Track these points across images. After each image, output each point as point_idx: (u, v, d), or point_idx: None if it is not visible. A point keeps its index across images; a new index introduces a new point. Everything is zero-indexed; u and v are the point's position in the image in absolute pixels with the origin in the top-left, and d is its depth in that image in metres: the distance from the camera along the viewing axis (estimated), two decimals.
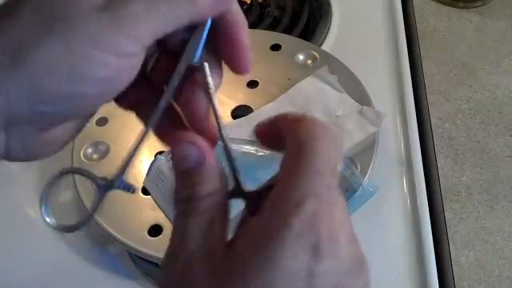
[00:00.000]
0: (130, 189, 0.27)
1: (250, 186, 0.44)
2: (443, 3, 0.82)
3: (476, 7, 0.81)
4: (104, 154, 0.52)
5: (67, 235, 0.53)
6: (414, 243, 0.51)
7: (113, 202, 0.47)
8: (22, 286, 0.52)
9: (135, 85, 0.25)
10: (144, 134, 0.27)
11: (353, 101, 0.54)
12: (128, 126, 0.54)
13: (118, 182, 0.27)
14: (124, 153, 0.28)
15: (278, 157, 0.49)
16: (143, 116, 0.29)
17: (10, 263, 0.53)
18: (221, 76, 0.28)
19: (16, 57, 0.22)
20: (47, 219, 0.26)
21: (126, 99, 0.28)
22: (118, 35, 0.22)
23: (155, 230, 0.46)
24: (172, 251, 0.24)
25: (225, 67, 0.28)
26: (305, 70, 0.57)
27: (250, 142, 0.48)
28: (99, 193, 0.27)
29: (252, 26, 0.71)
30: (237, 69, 0.27)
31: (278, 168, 0.26)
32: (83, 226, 0.27)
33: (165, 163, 0.45)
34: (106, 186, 0.27)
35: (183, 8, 0.24)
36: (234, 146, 0.45)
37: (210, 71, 0.27)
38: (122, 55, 0.23)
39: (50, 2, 0.22)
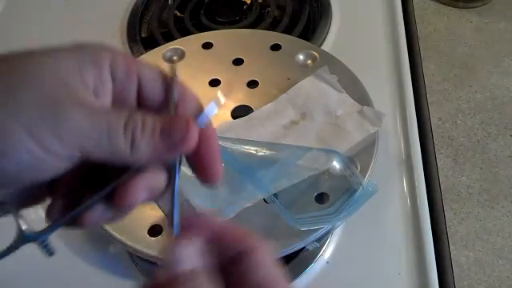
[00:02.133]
0: (47, 251, 0.27)
1: (250, 185, 0.44)
2: (443, 3, 0.82)
3: (476, 7, 0.81)
4: None
5: (67, 235, 0.53)
6: (414, 243, 0.51)
7: None
8: (21, 286, 0.52)
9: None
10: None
11: (353, 101, 0.54)
12: None
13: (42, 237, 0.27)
14: None
15: (279, 157, 0.49)
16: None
17: (10, 263, 0.53)
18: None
19: None
20: None
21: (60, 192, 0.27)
22: (52, 137, 0.23)
23: (155, 230, 0.46)
24: None
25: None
26: (305, 70, 0.57)
27: (250, 142, 0.48)
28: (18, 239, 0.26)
29: (252, 25, 0.71)
30: (207, 180, 0.28)
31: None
32: None
33: None
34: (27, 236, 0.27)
35: (121, 151, 0.25)
36: (233, 146, 0.45)
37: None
38: (49, 152, 0.23)
39: (7, 84, 0.23)
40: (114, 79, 0.26)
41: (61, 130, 0.23)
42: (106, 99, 0.26)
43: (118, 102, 0.26)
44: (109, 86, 0.26)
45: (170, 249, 0.24)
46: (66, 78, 0.24)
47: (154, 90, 0.27)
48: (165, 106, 0.27)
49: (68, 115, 0.23)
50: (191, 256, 0.24)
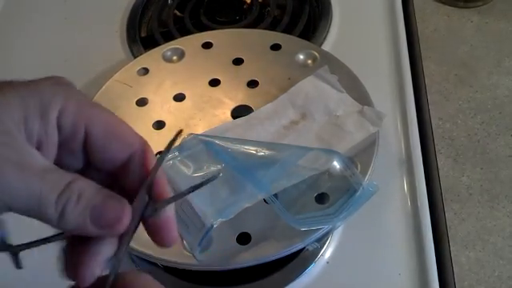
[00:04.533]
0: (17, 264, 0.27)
1: (250, 185, 0.44)
2: (444, 3, 0.82)
3: (476, 7, 0.81)
4: None
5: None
6: (415, 243, 0.51)
7: None
8: (21, 286, 0.52)
9: None
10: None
11: (353, 101, 0.53)
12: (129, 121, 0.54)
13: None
14: None
15: (279, 157, 0.49)
16: None
17: (10, 263, 0.53)
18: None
19: None
20: None
21: None
22: None
23: None
24: None
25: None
26: (305, 70, 0.57)
27: (250, 142, 0.48)
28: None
29: (252, 25, 0.71)
30: (163, 243, 0.27)
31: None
32: None
33: (165, 163, 0.45)
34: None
35: (49, 218, 0.24)
36: (233, 146, 0.45)
37: None
38: None
39: None
40: (59, 129, 0.25)
41: None
42: (51, 151, 0.25)
43: (64, 153, 0.26)
44: (54, 137, 0.25)
45: None
46: (10, 130, 0.24)
47: (107, 145, 0.26)
48: (122, 168, 0.26)
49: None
50: None
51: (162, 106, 0.56)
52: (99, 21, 0.76)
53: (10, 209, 0.24)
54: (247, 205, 0.43)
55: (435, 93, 0.71)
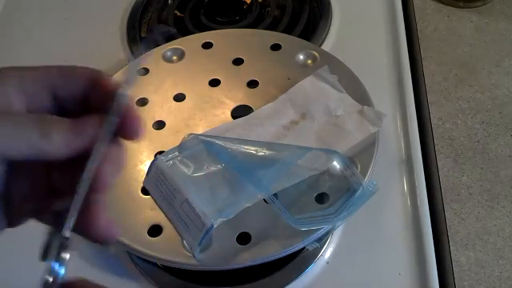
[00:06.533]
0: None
1: (250, 185, 0.44)
2: (444, 3, 0.82)
3: (476, 7, 0.81)
4: None
5: None
6: (415, 243, 0.51)
7: (113, 202, 0.47)
8: (21, 286, 0.52)
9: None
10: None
11: (353, 101, 0.53)
12: None
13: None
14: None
15: (279, 157, 0.49)
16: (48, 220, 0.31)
17: (10, 263, 0.53)
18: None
19: None
20: None
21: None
22: None
23: (155, 230, 0.46)
24: None
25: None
26: (305, 70, 0.57)
27: (250, 142, 0.48)
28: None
29: (252, 25, 0.71)
30: (128, 136, 0.28)
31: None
32: None
33: (165, 163, 0.45)
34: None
35: (33, 142, 0.26)
36: (233, 146, 0.45)
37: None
38: None
39: None
40: (24, 93, 0.28)
41: None
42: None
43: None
44: (17, 103, 0.27)
45: None
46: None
47: (74, 99, 0.29)
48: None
49: None
50: None
51: (162, 106, 0.56)
52: (99, 21, 0.76)
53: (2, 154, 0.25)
54: (247, 205, 0.43)
55: (435, 92, 0.71)
